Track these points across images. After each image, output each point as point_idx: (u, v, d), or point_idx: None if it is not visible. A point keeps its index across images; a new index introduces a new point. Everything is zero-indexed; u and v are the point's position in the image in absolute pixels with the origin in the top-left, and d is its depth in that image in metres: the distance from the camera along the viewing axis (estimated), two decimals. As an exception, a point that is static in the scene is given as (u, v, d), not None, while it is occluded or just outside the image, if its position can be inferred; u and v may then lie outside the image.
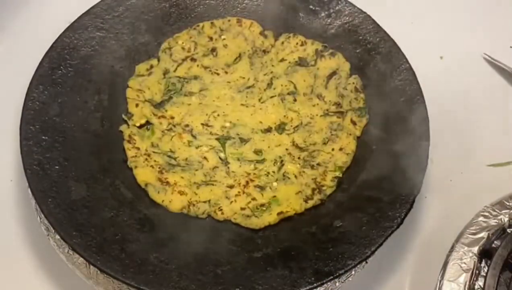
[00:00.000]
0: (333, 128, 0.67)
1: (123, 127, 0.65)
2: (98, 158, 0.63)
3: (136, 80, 0.68)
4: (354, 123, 0.67)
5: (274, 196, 0.62)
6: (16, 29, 0.77)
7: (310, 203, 0.62)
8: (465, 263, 0.59)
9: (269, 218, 0.60)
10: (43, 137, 0.62)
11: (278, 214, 0.61)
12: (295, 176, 0.63)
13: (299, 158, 0.64)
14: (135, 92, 0.68)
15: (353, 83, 0.69)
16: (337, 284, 0.56)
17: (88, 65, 0.68)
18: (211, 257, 0.57)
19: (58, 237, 0.57)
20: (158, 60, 0.70)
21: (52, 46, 0.67)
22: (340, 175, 0.63)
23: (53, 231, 0.57)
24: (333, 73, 0.70)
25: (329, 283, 0.56)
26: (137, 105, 0.67)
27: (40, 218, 0.60)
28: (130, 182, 0.62)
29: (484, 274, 0.59)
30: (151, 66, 0.70)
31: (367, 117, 0.67)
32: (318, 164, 0.64)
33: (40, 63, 0.66)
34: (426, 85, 0.67)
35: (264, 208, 0.61)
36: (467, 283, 0.58)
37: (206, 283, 0.55)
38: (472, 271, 0.59)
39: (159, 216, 0.60)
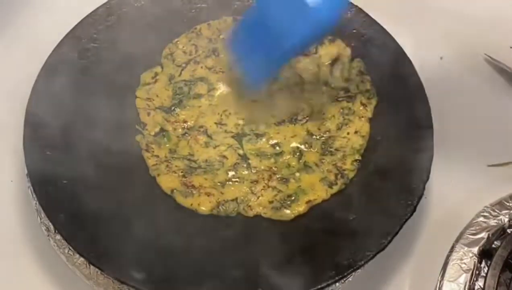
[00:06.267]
0: (345, 113, 0.68)
1: (138, 137, 0.65)
2: (106, 168, 0.62)
3: (143, 89, 0.69)
4: (364, 105, 0.68)
5: (299, 186, 0.63)
6: (12, 38, 0.77)
7: (335, 189, 0.63)
8: (465, 263, 0.60)
9: (298, 207, 0.61)
10: (48, 153, 0.61)
11: (307, 202, 0.61)
12: (316, 164, 0.64)
13: (316, 146, 0.65)
14: (144, 101, 0.68)
15: (357, 66, 0.70)
16: (337, 284, 0.56)
17: (86, 77, 0.67)
18: (220, 258, 0.57)
19: (59, 237, 0.57)
20: (162, 67, 0.70)
21: (48, 58, 0.67)
22: (360, 158, 0.65)
23: (54, 231, 0.58)
24: (336, 59, 0.71)
25: (329, 281, 0.56)
26: (148, 114, 0.67)
27: (40, 219, 0.60)
28: (144, 188, 0.62)
29: (484, 275, 0.59)
30: (156, 74, 0.70)
31: (376, 98, 0.68)
32: (337, 150, 0.65)
33: (38, 75, 0.65)
34: (426, 85, 0.67)
35: (292, 198, 0.62)
36: (467, 283, 0.58)
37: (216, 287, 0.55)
38: (472, 272, 0.59)
39: (182, 220, 0.60)
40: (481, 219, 0.63)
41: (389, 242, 0.57)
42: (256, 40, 0.62)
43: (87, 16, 0.71)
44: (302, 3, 0.56)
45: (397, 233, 0.58)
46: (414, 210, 0.59)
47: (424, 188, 0.60)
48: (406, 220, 0.58)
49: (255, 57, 0.63)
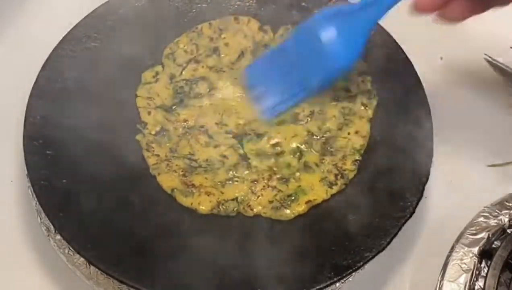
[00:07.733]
0: (345, 113, 0.68)
1: (139, 137, 0.65)
2: (106, 167, 0.61)
3: (144, 88, 0.69)
4: (365, 105, 0.68)
5: (299, 186, 0.63)
6: (12, 37, 0.77)
7: (335, 189, 0.63)
8: (465, 263, 0.60)
9: (298, 207, 0.61)
10: (48, 153, 0.61)
11: (306, 202, 0.61)
12: (316, 164, 0.64)
13: (317, 146, 0.65)
14: (145, 100, 0.68)
15: (357, 66, 0.70)
16: (337, 284, 0.56)
17: (87, 76, 0.67)
18: (219, 258, 0.57)
19: (59, 238, 0.57)
20: (163, 66, 0.70)
21: (49, 57, 0.66)
22: (360, 158, 0.65)
23: (54, 231, 0.58)
24: None
25: (328, 282, 0.56)
26: (149, 113, 0.67)
27: (41, 219, 0.60)
28: (144, 188, 0.62)
29: (484, 275, 0.59)
30: (157, 73, 0.70)
31: (377, 98, 0.68)
32: (337, 150, 0.65)
33: (39, 75, 0.65)
34: (426, 85, 0.67)
35: (292, 198, 0.62)
36: (467, 283, 0.58)
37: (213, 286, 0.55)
38: (472, 272, 0.59)
39: (183, 220, 0.60)
40: (481, 219, 0.63)
41: (388, 243, 0.57)
42: (275, 74, 0.67)
43: (88, 15, 0.70)
44: (326, 51, 0.64)
45: (396, 234, 0.58)
46: (414, 211, 0.59)
47: (423, 189, 0.61)
48: (406, 221, 0.59)
49: (272, 90, 0.67)
